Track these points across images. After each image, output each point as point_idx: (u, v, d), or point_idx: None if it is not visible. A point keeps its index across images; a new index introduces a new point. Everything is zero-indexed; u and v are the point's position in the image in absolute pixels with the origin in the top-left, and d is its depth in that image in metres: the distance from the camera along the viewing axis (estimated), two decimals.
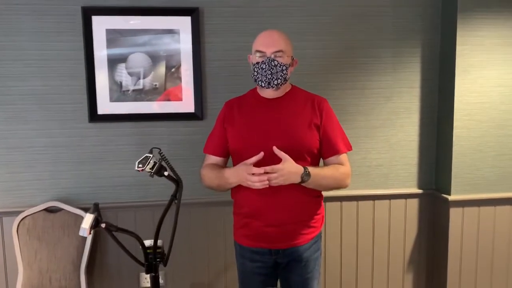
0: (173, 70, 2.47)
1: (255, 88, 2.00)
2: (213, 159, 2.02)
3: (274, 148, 1.78)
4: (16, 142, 2.42)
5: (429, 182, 2.76)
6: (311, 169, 1.83)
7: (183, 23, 2.45)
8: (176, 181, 1.96)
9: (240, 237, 2.01)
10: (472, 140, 2.58)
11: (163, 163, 1.91)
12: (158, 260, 1.97)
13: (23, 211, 2.39)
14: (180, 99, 2.51)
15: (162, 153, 1.94)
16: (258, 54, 1.85)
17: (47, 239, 2.38)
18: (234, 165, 1.98)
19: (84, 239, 2.41)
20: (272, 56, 1.82)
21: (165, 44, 2.46)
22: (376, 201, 2.70)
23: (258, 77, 1.85)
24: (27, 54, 2.38)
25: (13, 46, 2.36)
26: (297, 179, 1.80)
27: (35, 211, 2.40)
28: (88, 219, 1.68)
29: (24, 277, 2.36)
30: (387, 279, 2.77)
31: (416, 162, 2.73)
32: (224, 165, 2.03)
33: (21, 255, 2.37)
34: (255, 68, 1.86)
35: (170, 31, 2.45)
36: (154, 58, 2.46)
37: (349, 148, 2.00)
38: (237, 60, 2.52)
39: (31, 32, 2.37)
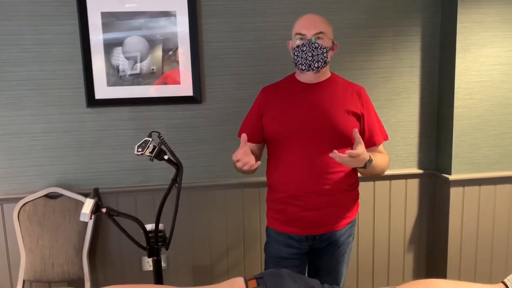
0: (170, 53, 2.44)
1: (293, 74, 1.98)
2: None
3: (355, 130, 1.73)
4: (14, 128, 2.40)
5: (430, 162, 2.75)
6: (373, 156, 1.81)
7: (180, 4, 2.41)
8: (176, 164, 1.96)
9: (276, 223, 1.99)
10: (473, 119, 2.57)
11: (163, 147, 1.90)
12: (160, 244, 1.98)
13: (24, 197, 2.39)
14: (178, 83, 2.48)
15: (161, 136, 1.93)
16: (298, 37, 1.83)
17: (48, 225, 2.38)
18: (268, 151, 1.99)
19: (85, 224, 2.41)
20: (313, 38, 1.80)
21: (162, 27, 2.42)
22: (377, 182, 2.70)
23: (298, 61, 1.83)
24: (22, 39, 2.34)
25: (7, 31, 2.32)
26: (361, 164, 1.78)
27: (36, 197, 2.39)
28: (88, 204, 1.68)
29: (27, 263, 2.37)
30: (388, 258, 2.79)
31: (417, 142, 2.72)
32: (257, 151, 2.00)
33: (23, 241, 2.37)
34: (295, 52, 1.83)
35: (167, 13, 2.41)
36: (151, 42, 2.42)
37: (385, 137, 2.02)
38: (235, 42, 2.49)
39: (25, 16, 2.32)
